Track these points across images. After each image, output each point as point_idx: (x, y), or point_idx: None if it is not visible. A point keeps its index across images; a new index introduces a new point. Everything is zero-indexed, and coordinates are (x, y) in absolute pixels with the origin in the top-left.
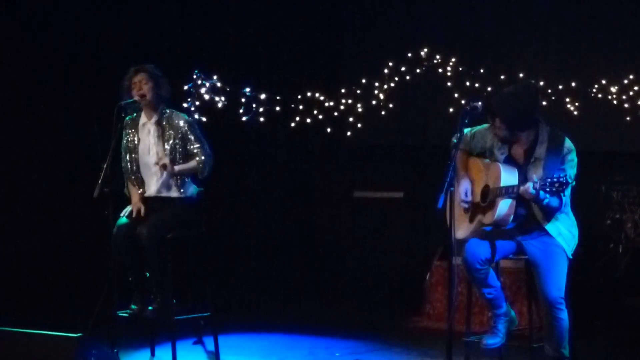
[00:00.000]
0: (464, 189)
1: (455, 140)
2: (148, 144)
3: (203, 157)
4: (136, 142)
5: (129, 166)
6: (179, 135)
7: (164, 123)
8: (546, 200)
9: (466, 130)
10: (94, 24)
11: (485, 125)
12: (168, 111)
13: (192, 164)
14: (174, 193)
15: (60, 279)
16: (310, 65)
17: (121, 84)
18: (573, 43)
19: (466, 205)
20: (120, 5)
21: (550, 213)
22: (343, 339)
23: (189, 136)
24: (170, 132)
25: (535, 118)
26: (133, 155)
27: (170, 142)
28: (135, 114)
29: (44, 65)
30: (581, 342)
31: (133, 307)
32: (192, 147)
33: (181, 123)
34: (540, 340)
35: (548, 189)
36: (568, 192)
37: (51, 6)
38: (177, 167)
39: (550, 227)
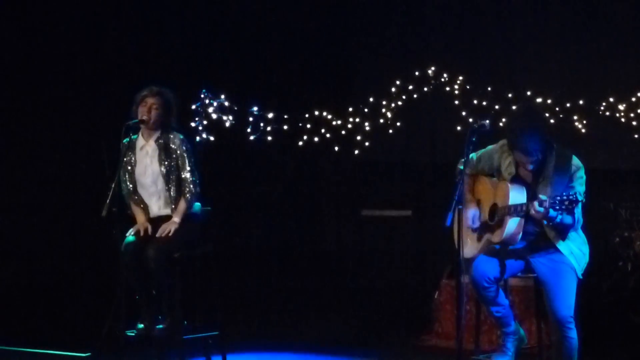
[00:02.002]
0: (471, 215)
1: (461, 167)
2: (145, 164)
3: (188, 196)
4: (133, 163)
5: (129, 187)
6: (174, 156)
7: (161, 142)
8: (559, 218)
9: (471, 155)
10: (103, 43)
11: (490, 147)
12: (165, 131)
13: (183, 205)
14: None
15: (69, 298)
16: (318, 84)
17: (135, 96)
18: (581, 61)
19: (475, 227)
20: (129, 25)
21: (563, 231)
22: (351, 358)
23: (184, 159)
24: (167, 152)
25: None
26: (132, 177)
27: (167, 163)
28: (133, 136)
29: (51, 84)
30: None
31: (140, 326)
32: (183, 174)
33: (177, 142)
34: (550, 358)
35: (558, 207)
36: (579, 209)
37: (60, 24)
38: (177, 219)
39: (562, 245)
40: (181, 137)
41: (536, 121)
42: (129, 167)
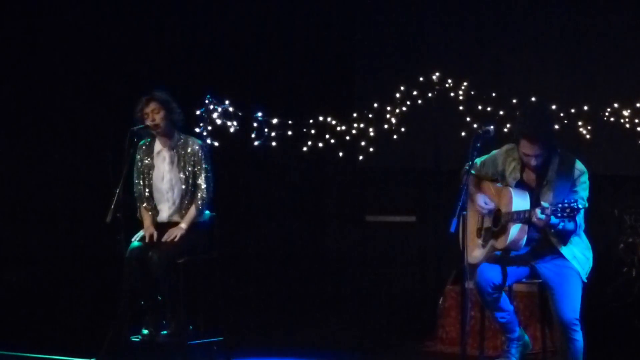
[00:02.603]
0: (482, 200)
1: (466, 167)
2: (162, 170)
3: (200, 203)
4: (150, 168)
5: (142, 192)
6: (192, 163)
7: (180, 150)
8: (561, 225)
9: (475, 161)
10: (107, 49)
11: (494, 152)
12: (183, 137)
13: (193, 212)
14: None
15: (73, 303)
16: (322, 90)
17: (134, 113)
18: (585, 67)
19: (488, 210)
20: (133, 31)
21: (565, 237)
22: None
23: (200, 165)
24: (185, 158)
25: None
26: (146, 181)
27: (186, 168)
28: (149, 139)
29: (57, 90)
30: None
31: (144, 331)
32: (198, 180)
33: (196, 148)
34: None
35: (559, 215)
36: (582, 214)
37: (65, 30)
38: (184, 226)
39: (565, 250)
40: (199, 142)
41: (544, 111)
42: (146, 171)
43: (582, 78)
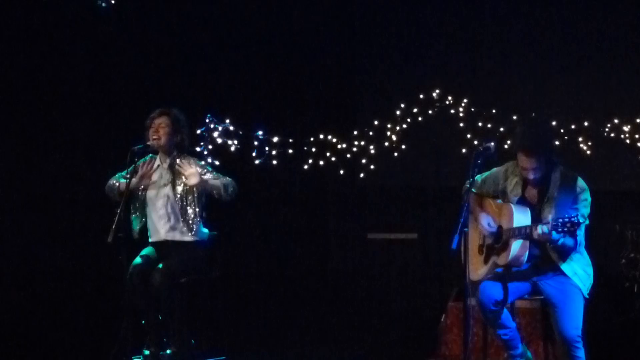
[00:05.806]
0: (486, 222)
1: (467, 185)
2: (158, 186)
3: (227, 179)
4: (147, 183)
5: (136, 203)
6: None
7: (177, 167)
8: (561, 241)
9: (476, 177)
10: (109, 69)
11: (495, 169)
12: (181, 156)
13: (217, 181)
14: (185, 237)
15: (74, 324)
16: (323, 108)
17: (145, 121)
18: (585, 83)
19: (491, 232)
20: (134, 50)
21: (565, 253)
22: None
23: (206, 175)
24: (182, 177)
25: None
26: (142, 196)
27: (181, 187)
28: (152, 156)
29: (60, 109)
30: None
31: (146, 352)
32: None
33: (196, 168)
34: None
35: (560, 229)
36: (582, 231)
37: (69, 49)
38: (204, 177)
39: (565, 267)
40: (198, 161)
41: (542, 124)
42: (142, 187)
43: (582, 94)
